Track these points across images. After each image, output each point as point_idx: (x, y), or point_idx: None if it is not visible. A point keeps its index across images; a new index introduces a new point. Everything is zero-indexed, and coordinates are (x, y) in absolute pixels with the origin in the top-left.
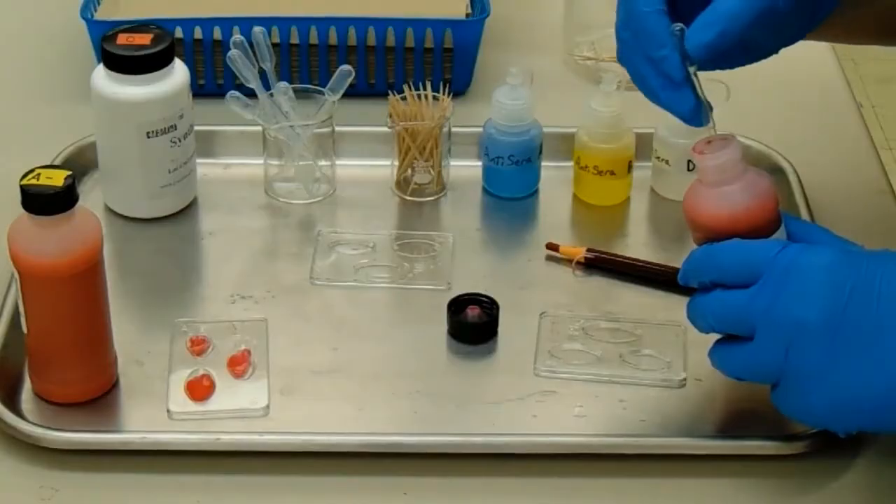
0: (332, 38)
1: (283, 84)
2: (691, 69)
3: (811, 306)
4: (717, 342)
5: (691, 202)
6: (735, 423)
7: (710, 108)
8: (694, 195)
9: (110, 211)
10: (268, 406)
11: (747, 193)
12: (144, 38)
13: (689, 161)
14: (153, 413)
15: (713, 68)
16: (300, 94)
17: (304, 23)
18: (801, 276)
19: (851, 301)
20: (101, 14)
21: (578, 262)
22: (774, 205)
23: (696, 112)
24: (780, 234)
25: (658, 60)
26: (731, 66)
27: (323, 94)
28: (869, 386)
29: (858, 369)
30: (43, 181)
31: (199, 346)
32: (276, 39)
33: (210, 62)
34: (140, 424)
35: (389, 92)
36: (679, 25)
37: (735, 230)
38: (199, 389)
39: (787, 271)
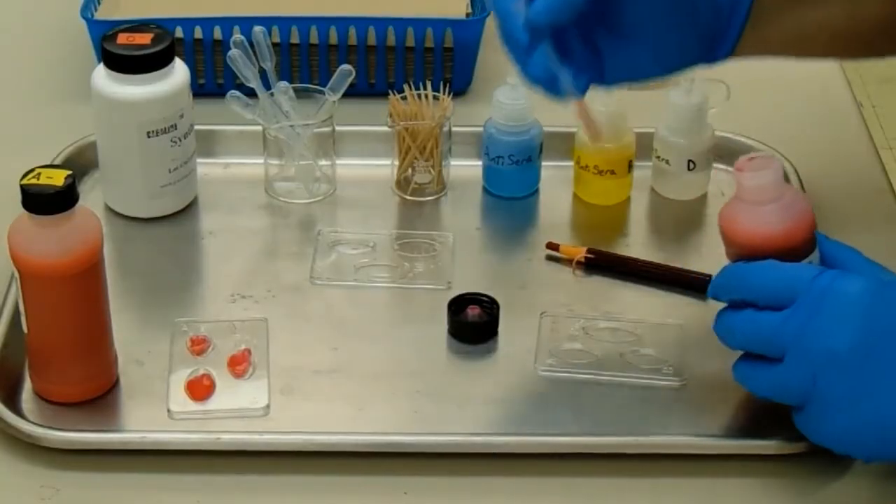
0: (333, 38)
1: (284, 84)
2: (548, 47)
3: (842, 335)
4: (743, 358)
5: (728, 218)
6: (735, 422)
7: (581, 88)
8: (731, 211)
9: (110, 210)
10: (268, 406)
11: (785, 214)
12: (145, 38)
13: (689, 161)
14: (153, 413)
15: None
16: (300, 94)
17: (304, 22)
18: (835, 304)
19: (883, 331)
20: (102, 14)
21: (579, 262)
22: (811, 227)
23: (551, 81)
24: (815, 256)
25: (506, 35)
26: (643, 76)
27: (323, 93)
28: (894, 416)
29: (886, 400)
30: (43, 181)
31: (199, 346)
32: (277, 39)
33: (210, 62)
34: (140, 424)
35: (390, 91)
36: None
37: (770, 250)
38: (200, 389)
39: (821, 298)
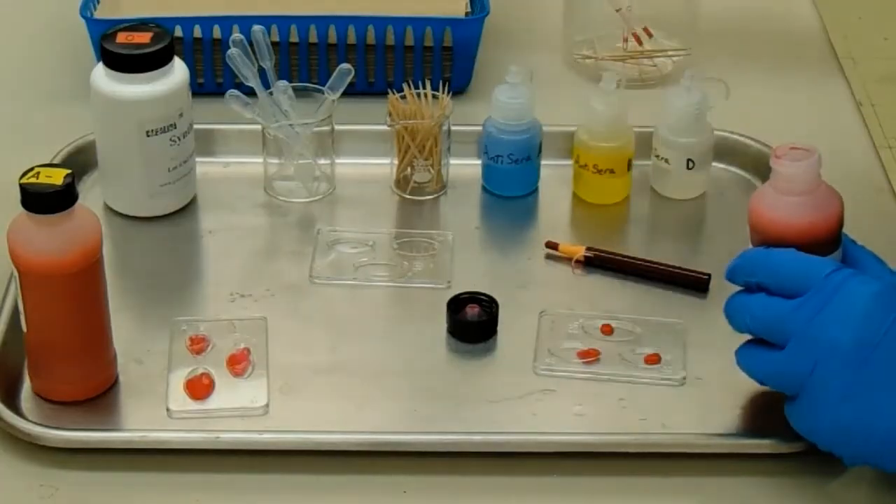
0: (332, 37)
1: (283, 83)
2: None
3: (847, 330)
4: (746, 343)
5: (757, 204)
6: (734, 421)
7: None
8: (761, 197)
9: (110, 209)
10: (267, 405)
11: (812, 209)
12: (144, 37)
13: (688, 160)
14: (153, 412)
15: None
16: (300, 93)
17: (303, 21)
18: (846, 300)
19: (888, 335)
20: (101, 12)
21: (578, 261)
22: (837, 225)
23: None
24: (837, 255)
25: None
26: None
27: (322, 92)
28: (883, 420)
29: (878, 402)
30: (42, 180)
31: (198, 345)
32: (276, 38)
33: (209, 61)
34: (140, 423)
35: (389, 90)
36: None
37: (791, 241)
38: (199, 388)
39: (833, 292)
